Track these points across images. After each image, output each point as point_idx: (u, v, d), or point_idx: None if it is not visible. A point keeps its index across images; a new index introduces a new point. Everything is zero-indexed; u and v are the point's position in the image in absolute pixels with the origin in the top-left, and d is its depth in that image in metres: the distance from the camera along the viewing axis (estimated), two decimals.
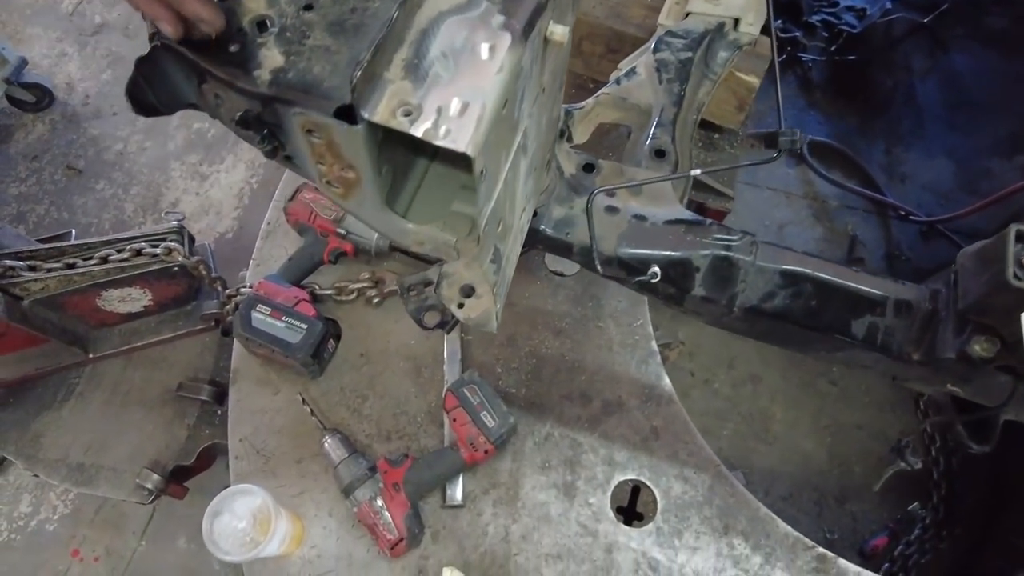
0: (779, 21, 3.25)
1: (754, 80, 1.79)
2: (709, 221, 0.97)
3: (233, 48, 0.57)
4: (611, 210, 0.99)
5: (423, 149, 0.71)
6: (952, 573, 2.18)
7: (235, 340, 1.52)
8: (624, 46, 1.86)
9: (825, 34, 3.33)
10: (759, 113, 2.71)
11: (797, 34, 3.33)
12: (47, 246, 1.72)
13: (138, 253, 1.70)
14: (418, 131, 0.53)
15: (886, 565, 2.13)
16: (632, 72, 1.31)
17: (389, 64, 0.56)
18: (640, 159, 1.17)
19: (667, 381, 1.52)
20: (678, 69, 1.29)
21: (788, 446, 2.38)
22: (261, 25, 0.57)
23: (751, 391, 2.46)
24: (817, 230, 2.89)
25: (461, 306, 0.85)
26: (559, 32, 0.63)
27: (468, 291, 0.86)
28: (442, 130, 0.53)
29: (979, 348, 0.83)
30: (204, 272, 1.75)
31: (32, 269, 1.67)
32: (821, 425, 2.41)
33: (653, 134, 1.19)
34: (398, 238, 0.68)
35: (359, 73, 0.52)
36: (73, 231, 2.17)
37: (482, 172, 0.57)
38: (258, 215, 2.87)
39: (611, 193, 1.03)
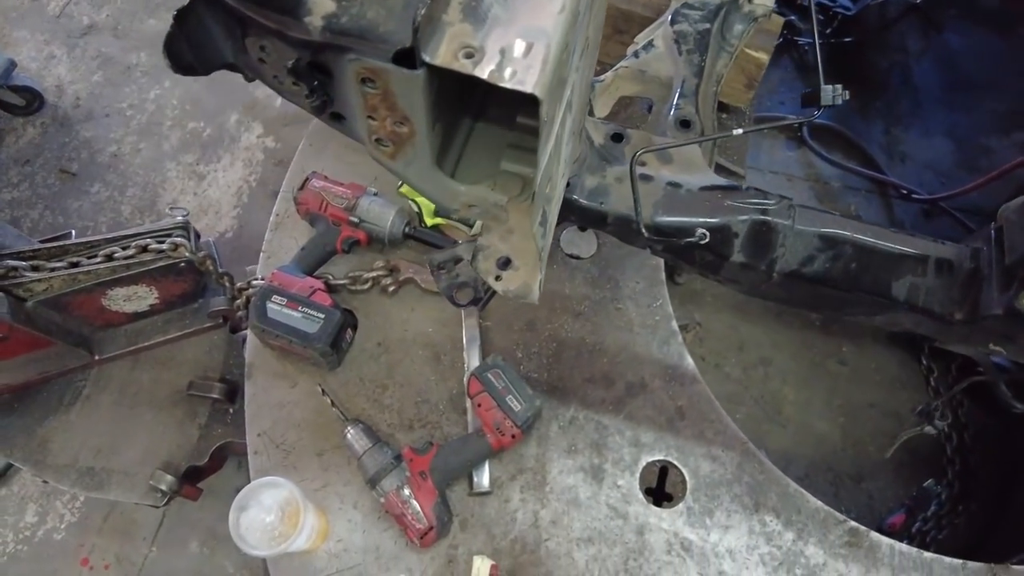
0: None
1: (763, 56, 1.78)
2: (745, 185, 0.95)
3: None
4: (645, 178, 0.97)
5: (467, 109, 0.68)
6: (969, 547, 2.17)
7: (249, 333, 1.48)
8: (631, 27, 1.84)
9: (821, 17, 3.33)
10: (756, 96, 2.70)
11: (792, 18, 3.32)
12: (50, 245, 1.68)
13: (144, 249, 1.67)
14: (483, 73, 0.51)
15: (905, 541, 2.12)
16: (650, 45, 1.29)
17: (447, 6, 0.53)
18: (665, 130, 1.15)
19: (690, 361, 1.50)
20: (697, 40, 1.27)
21: (802, 427, 2.37)
22: None
23: (762, 374, 2.45)
24: None
25: (499, 279, 0.83)
26: None
27: (505, 263, 0.84)
28: (507, 72, 0.51)
29: None
30: (211, 267, 1.71)
31: (35, 269, 1.63)
32: (833, 405, 2.40)
33: (676, 105, 1.17)
34: (447, 200, 0.65)
35: (423, 11, 0.49)
36: (73, 232, 2.12)
37: (545, 119, 0.54)
38: (258, 213, 2.85)
39: (642, 162, 1.01)
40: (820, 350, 2.50)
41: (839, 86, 0.91)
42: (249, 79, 0.66)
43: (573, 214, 0.99)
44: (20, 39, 3.28)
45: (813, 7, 0.93)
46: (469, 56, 0.52)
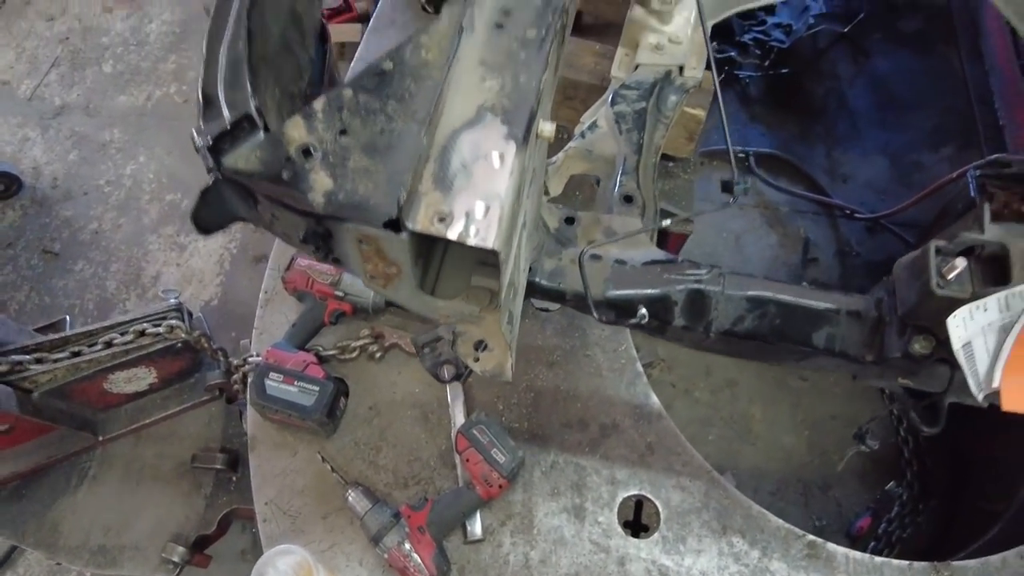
0: (714, 43, 3.47)
1: (701, 113, 1.96)
2: (681, 259, 1.11)
3: (286, 175, 0.68)
4: (595, 258, 1.12)
5: (439, 240, 0.82)
6: (932, 542, 2.34)
7: (249, 408, 1.60)
8: (579, 92, 2.02)
9: (757, 51, 3.54)
10: (704, 132, 2.90)
11: (732, 53, 3.53)
12: (51, 337, 1.78)
13: (142, 334, 1.77)
14: (453, 235, 0.65)
15: (872, 543, 2.28)
16: (594, 125, 1.45)
17: (420, 179, 0.68)
18: (611, 205, 1.31)
19: (655, 399, 1.65)
20: (635, 119, 1.43)
21: (770, 443, 2.53)
22: (306, 152, 0.69)
23: (730, 396, 2.60)
24: (772, 236, 3.07)
25: (476, 360, 0.97)
26: (548, 129, 0.76)
27: (480, 345, 0.98)
28: (472, 231, 0.65)
29: (919, 346, 0.98)
30: (206, 344, 1.82)
31: (39, 362, 1.73)
32: (798, 420, 2.56)
33: (620, 182, 1.33)
34: (430, 313, 0.79)
35: (404, 194, 0.64)
36: (68, 317, 2.21)
37: (504, 260, 0.69)
38: (240, 280, 2.96)
39: (592, 242, 1.16)
40: (782, 368, 2.67)
41: (748, 179, 1.07)
42: (261, 227, 0.79)
43: (536, 294, 1.14)
44: None
45: (720, 97, 1.08)
46: (442, 220, 0.66)
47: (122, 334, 1.78)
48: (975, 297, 0.89)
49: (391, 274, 0.72)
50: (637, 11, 1.58)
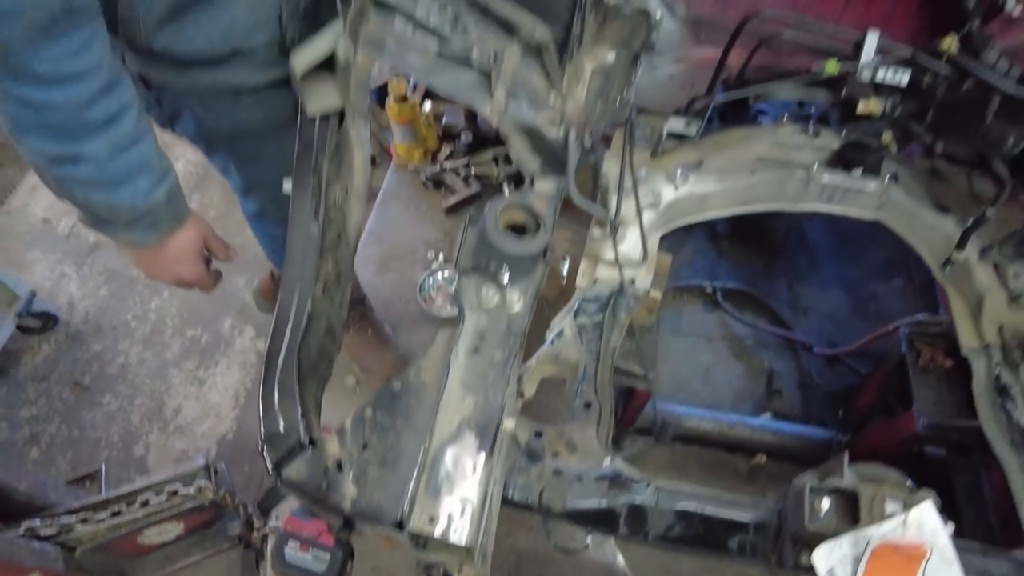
0: None
1: (657, 294, 2.29)
2: (624, 476, 1.40)
3: (324, 485, 0.97)
4: (557, 472, 1.41)
5: None
6: None
7: (271, 571, 1.84)
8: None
9: None
10: (675, 266, 3.23)
11: None
12: (95, 499, 2.04)
13: (174, 494, 2.04)
14: (438, 534, 0.94)
15: None
16: (560, 334, 1.77)
17: (418, 487, 0.97)
18: (575, 411, 1.60)
19: (621, 559, 1.90)
20: (593, 330, 1.75)
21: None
22: (339, 465, 0.98)
23: None
24: (738, 368, 3.37)
25: (459, 570, 1.24)
26: (510, 425, 1.05)
27: (461, 566, 1.25)
28: (451, 531, 0.94)
29: (805, 559, 1.25)
30: (230, 501, 2.09)
31: (84, 522, 1.98)
32: None
33: (581, 389, 1.64)
34: (421, 559, 1.07)
35: (407, 505, 0.93)
36: (103, 466, 2.47)
37: (473, 548, 0.97)
38: (254, 415, 3.17)
39: (556, 453, 1.45)
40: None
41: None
42: None
43: (507, 506, 1.42)
44: (33, 260, 3.70)
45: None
46: (431, 521, 0.95)
47: (157, 493, 2.04)
48: (836, 532, 1.18)
49: (394, 544, 1.01)
50: (596, 231, 1.94)
